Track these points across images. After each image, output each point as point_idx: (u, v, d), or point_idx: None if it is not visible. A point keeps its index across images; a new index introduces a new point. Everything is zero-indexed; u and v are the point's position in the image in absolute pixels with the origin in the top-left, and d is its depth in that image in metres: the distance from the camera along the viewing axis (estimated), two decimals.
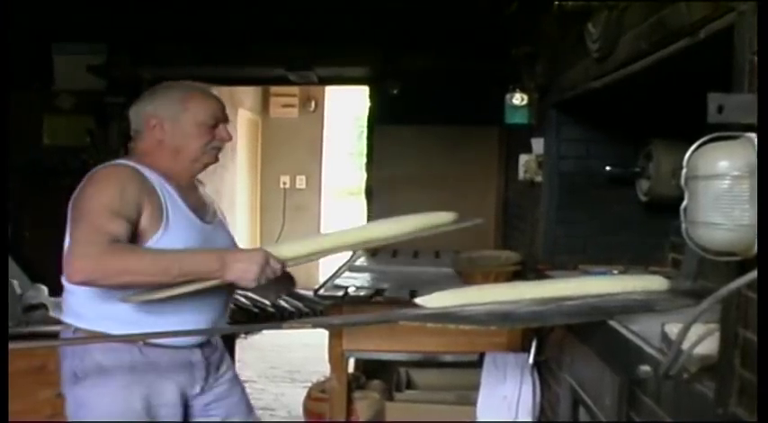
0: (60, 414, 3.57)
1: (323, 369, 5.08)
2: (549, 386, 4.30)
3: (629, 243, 4.24)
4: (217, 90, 10.55)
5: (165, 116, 2.99)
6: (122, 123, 7.08)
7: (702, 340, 1.89)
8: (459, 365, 4.88)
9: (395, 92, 6.78)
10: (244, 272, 2.74)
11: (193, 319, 2.96)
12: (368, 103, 7.20)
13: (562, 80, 4.00)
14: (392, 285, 4.72)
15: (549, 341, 4.21)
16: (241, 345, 7.83)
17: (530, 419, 4.34)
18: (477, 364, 4.57)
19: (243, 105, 11.75)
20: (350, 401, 4.74)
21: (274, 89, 12.39)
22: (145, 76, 7.00)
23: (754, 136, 1.69)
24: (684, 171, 1.82)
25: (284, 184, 12.49)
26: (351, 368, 5.09)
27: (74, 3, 6.34)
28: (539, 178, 4.59)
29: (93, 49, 6.92)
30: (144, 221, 2.83)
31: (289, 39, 6.57)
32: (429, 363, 4.96)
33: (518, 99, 4.79)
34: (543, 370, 4.40)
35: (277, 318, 3.14)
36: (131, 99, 6.94)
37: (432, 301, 2.78)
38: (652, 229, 4.14)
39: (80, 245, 2.69)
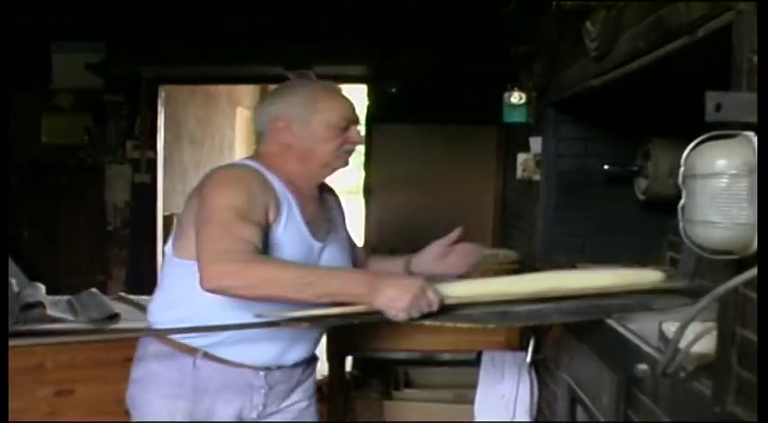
0: (58, 413, 3.58)
1: (321, 368, 5.08)
2: (546, 385, 4.31)
3: (628, 242, 4.24)
4: (215, 88, 10.52)
5: (294, 118, 2.80)
6: (120, 122, 7.14)
7: (700, 339, 1.89)
8: (457, 364, 4.90)
9: (393, 91, 6.78)
10: (394, 300, 2.47)
11: (282, 349, 2.81)
12: (366, 102, 7.20)
13: (560, 79, 4.00)
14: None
15: (546, 340, 4.22)
16: None
17: (527, 418, 4.34)
18: (475, 363, 4.58)
19: (241, 104, 11.77)
20: (348, 400, 4.74)
21: (273, 87, 12.39)
22: (143, 75, 7.02)
23: (751, 134, 1.69)
24: (682, 170, 1.82)
25: None
26: (349, 367, 5.09)
27: (72, 1, 6.35)
28: (537, 177, 4.60)
29: (92, 48, 6.94)
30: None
31: (287, 37, 6.57)
32: (427, 361, 4.97)
33: (516, 98, 4.80)
34: (541, 369, 4.40)
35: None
36: (130, 97, 7.01)
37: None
38: (650, 228, 4.14)
39: (215, 249, 2.48)
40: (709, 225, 1.73)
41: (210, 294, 2.47)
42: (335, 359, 4.56)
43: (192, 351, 2.72)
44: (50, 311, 3.66)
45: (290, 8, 6.42)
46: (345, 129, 2.83)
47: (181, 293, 2.72)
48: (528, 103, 4.78)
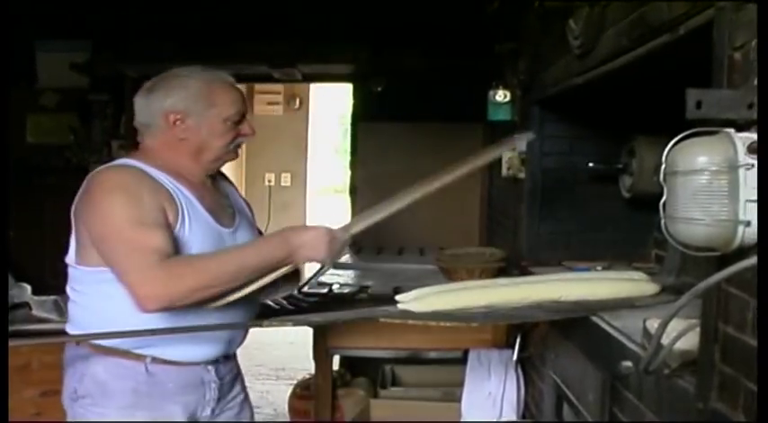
0: (44, 413, 3.57)
1: (308, 367, 5.08)
2: (533, 382, 4.31)
3: (613, 239, 4.25)
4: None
5: (188, 112, 2.68)
6: (105, 121, 7.12)
7: (683, 336, 1.90)
8: (444, 362, 4.89)
9: (379, 89, 6.78)
10: (313, 251, 2.59)
11: (227, 340, 2.79)
12: (352, 101, 7.20)
13: (545, 77, 4.00)
14: (377, 282, 4.71)
15: (532, 338, 4.22)
16: None
17: (514, 416, 4.35)
18: (462, 361, 4.58)
19: None
20: (335, 399, 4.74)
21: (259, 87, 12.37)
22: (128, 74, 6.99)
23: (732, 131, 1.70)
24: (663, 167, 1.83)
25: (269, 181, 12.47)
26: (335, 365, 5.09)
27: (57, 0, 6.33)
28: (522, 175, 4.60)
29: (77, 47, 6.91)
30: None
31: (272, 36, 6.56)
32: (414, 359, 4.96)
33: (501, 96, 4.81)
34: (527, 366, 4.41)
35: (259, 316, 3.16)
36: (115, 96, 6.98)
37: (410, 297, 2.75)
38: (635, 226, 4.16)
39: (134, 271, 2.44)
40: (691, 222, 1.73)
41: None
42: (322, 358, 4.56)
43: (139, 358, 2.66)
44: (36, 312, 3.65)
45: (275, 6, 6.42)
46: (239, 122, 2.77)
47: (100, 302, 2.65)
48: (513, 100, 4.79)
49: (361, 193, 7.03)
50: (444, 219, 6.72)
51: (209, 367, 2.78)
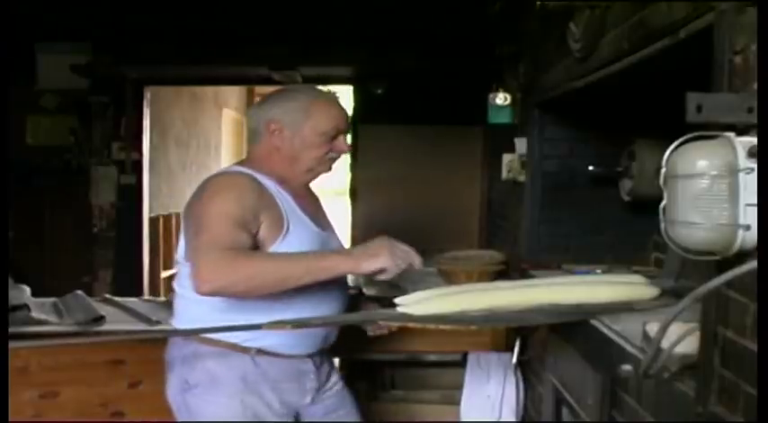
0: (43, 415, 3.57)
1: None
2: (532, 385, 4.31)
3: (613, 242, 4.25)
4: (201, 89, 10.48)
5: (286, 122, 2.92)
6: (106, 123, 7.12)
7: (683, 339, 1.90)
8: (443, 365, 4.88)
9: (379, 92, 6.79)
10: (375, 258, 2.65)
11: (325, 334, 2.99)
12: (352, 103, 7.20)
13: (545, 80, 4.00)
14: (376, 285, 4.70)
15: (532, 341, 4.22)
16: None
17: (513, 419, 4.34)
18: (461, 364, 4.57)
19: (227, 105, 11.76)
20: None
21: (259, 89, 12.38)
22: (129, 76, 7.00)
23: (732, 135, 1.70)
24: (663, 170, 1.82)
25: None
26: None
27: (57, 2, 6.33)
28: (522, 178, 4.60)
29: (77, 49, 6.92)
30: (263, 231, 2.75)
31: (273, 39, 6.57)
32: (413, 362, 4.95)
33: (501, 99, 4.81)
34: (527, 369, 4.40)
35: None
36: (115, 98, 6.99)
37: (409, 300, 2.75)
38: (635, 229, 4.15)
39: (205, 255, 2.58)
40: (691, 226, 1.73)
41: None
42: None
43: (245, 350, 2.85)
44: (35, 314, 3.65)
45: (275, 9, 6.42)
46: (334, 137, 2.95)
47: (194, 295, 2.75)
48: (513, 103, 4.79)
49: (361, 196, 7.03)
50: (444, 221, 6.73)
51: (308, 359, 3.00)
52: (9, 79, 6.36)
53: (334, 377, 3.21)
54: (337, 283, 2.94)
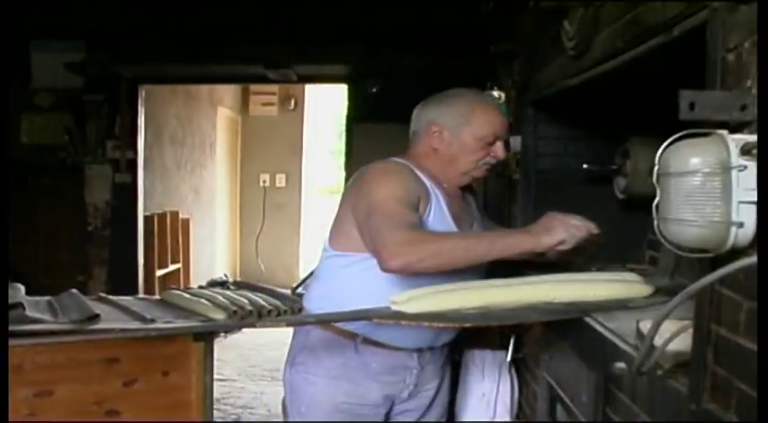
0: (38, 413, 3.56)
1: None
2: (526, 383, 4.31)
3: (607, 240, 4.21)
4: (196, 88, 10.46)
5: (447, 125, 3.04)
6: (100, 121, 7.11)
7: (676, 337, 1.90)
8: None
9: (374, 90, 6.79)
10: (552, 233, 2.76)
11: (435, 333, 3.08)
12: (347, 102, 7.20)
13: (539, 78, 4.00)
14: None
15: (526, 339, 4.22)
16: (221, 343, 7.84)
17: (508, 417, 4.34)
18: (456, 362, 4.57)
19: (222, 103, 11.74)
20: None
21: (254, 87, 12.38)
22: (123, 74, 6.99)
23: (725, 133, 1.70)
24: (656, 168, 1.83)
25: (264, 182, 12.48)
26: None
27: (51, 0, 6.32)
28: (516, 176, 4.60)
29: (72, 47, 6.91)
30: None
31: (268, 37, 6.57)
32: None
33: (496, 96, 4.80)
34: (521, 367, 4.40)
35: (254, 316, 3.15)
36: (109, 96, 6.99)
37: (403, 298, 2.75)
38: (630, 227, 4.15)
39: (388, 233, 2.71)
40: (683, 223, 1.73)
41: (369, 283, 2.84)
42: None
43: (352, 336, 3.01)
44: (30, 312, 3.64)
45: (270, 8, 6.42)
46: (492, 143, 3.05)
47: (339, 283, 2.99)
48: (507, 102, 4.79)
49: None
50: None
51: (414, 354, 3.12)
52: (9, 79, 6.36)
53: (438, 378, 3.30)
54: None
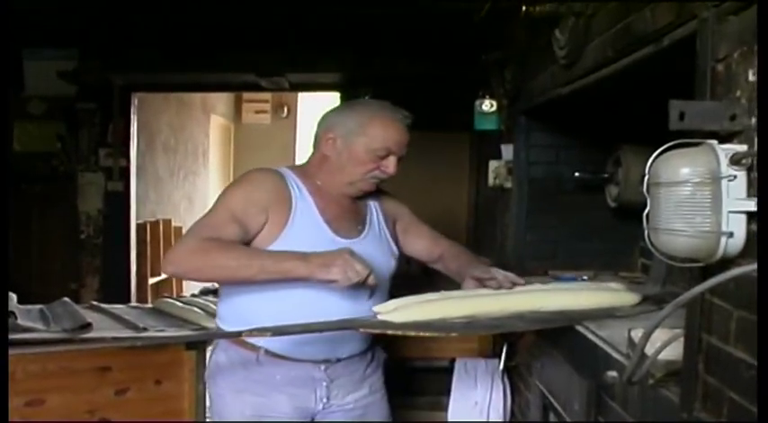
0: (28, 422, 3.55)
1: None
2: (519, 391, 4.31)
3: (599, 248, 4.26)
4: (188, 96, 10.45)
5: (341, 134, 2.97)
6: (93, 129, 7.11)
7: (667, 346, 1.91)
8: (430, 371, 4.88)
9: (366, 98, 6.78)
10: (326, 268, 2.67)
11: (333, 344, 2.98)
12: None
13: (531, 86, 4.01)
14: None
15: (519, 347, 4.22)
16: None
17: None
18: (448, 370, 4.57)
19: (215, 111, 11.75)
20: None
21: (247, 95, 12.39)
22: (116, 82, 6.99)
23: (714, 143, 1.71)
24: (646, 178, 1.84)
25: None
26: None
27: (44, 8, 6.32)
28: (509, 184, 4.61)
29: (64, 55, 6.91)
30: (268, 225, 2.86)
31: (260, 45, 6.57)
32: (400, 369, 4.95)
33: (487, 105, 4.81)
34: (514, 375, 4.40)
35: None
36: (102, 104, 6.98)
37: (389, 308, 2.75)
38: (621, 235, 4.16)
39: (185, 238, 2.79)
40: (674, 233, 1.74)
41: (264, 293, 2.81)
42: None
43: (254, 348, 2.93)
44: (22, 321, 3.63)
45: (262, 16, 6.42)
46: (384, 157, 2.96)
47: (236, 296, 2.94)
48: (499, 110, 4.80)
49: None
50: (431, 227, 6.73)
51: (320, 366, 3.00)
52: (8, 81, 6.36)
53: (363, 391, 3.16)
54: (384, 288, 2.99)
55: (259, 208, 2.84)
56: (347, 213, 3.06)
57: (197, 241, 2.73)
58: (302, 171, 3.04)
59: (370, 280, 2.72)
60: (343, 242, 2.92)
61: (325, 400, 3.02)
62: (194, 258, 2.71)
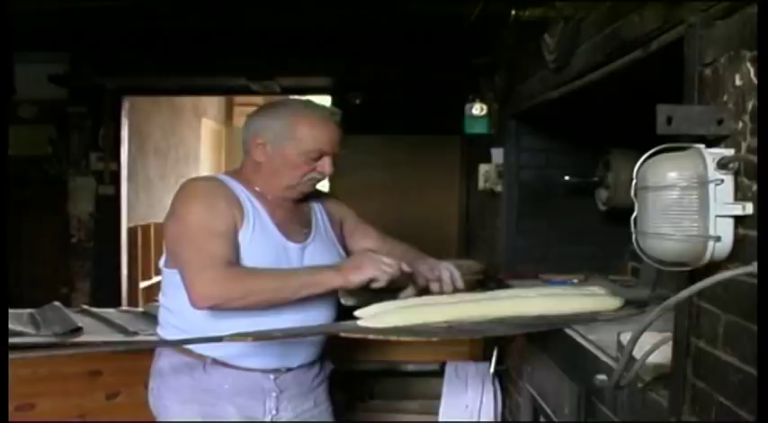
0: None
1: None
2: (509, 394, 4.32)
3: (590, 252, 4.27)
4: (179, 99, 10.45)
5: (269, 139, 2.86)
6: (84, 133, 7.11)
7: (656, 349, 1.91)
8: (422, 375, 4.89)
9: (357, 102, 6.81)
10: (359, 269, 2.70)
11: (282, 352, 2.93)
12: None
13: (521, 90, 4.02)
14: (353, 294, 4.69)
15: (509, 350, 4.23)
16: None
17: None
18: (439, 374, 4.58)
19: (206, 115, 11.74)
20: None
21: (238, 99, 12.40)
22: (107, 86, 6.99)
23: (702, 147, 1.71)
24: (634, 182, 1.84)
25: None
26: None
27: (35, 12, 6.31)
28: (499, 188, 4.61)
29: (55, 59, 6.90)
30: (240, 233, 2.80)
31: (251, 49, 6.57)
32: (392, 372, 4.96)
33: (477, 109, 4.82)
34: (504, 379, 4.41)
35: None
36: (93, 108, 6.97)
37: (369, 313, 2.74)
38: (611, 238, 4.17)
39: (196, 273, 2.66)
40: (661, 237, 1.74)
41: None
42: None
43: (201, 357, 2.85)
44: (12, 325, 3.63)
45: (253, 20, 6.42)
46: (317, 158, 2.88)
47: (178, 303, 2.81)
48: (489, 114, 4.81)
49: None
50: (422, 231, 6.73)
51: (270, 375, 2.92)
52: (10, 83, 6.36)
53: (310, 403, 3.09)
54: (326, 296, 2.92)
55: (227, 221, 2.77)
56: (293, 217, 3.01)
57: (215, 271, 2.64)
58: (239, 176, 2.95)
59: (404, 267, 2.78)
60: (293, 246, 2.91)
61: (274, 411, 2.95)
62: (229, 286, 2.64)
